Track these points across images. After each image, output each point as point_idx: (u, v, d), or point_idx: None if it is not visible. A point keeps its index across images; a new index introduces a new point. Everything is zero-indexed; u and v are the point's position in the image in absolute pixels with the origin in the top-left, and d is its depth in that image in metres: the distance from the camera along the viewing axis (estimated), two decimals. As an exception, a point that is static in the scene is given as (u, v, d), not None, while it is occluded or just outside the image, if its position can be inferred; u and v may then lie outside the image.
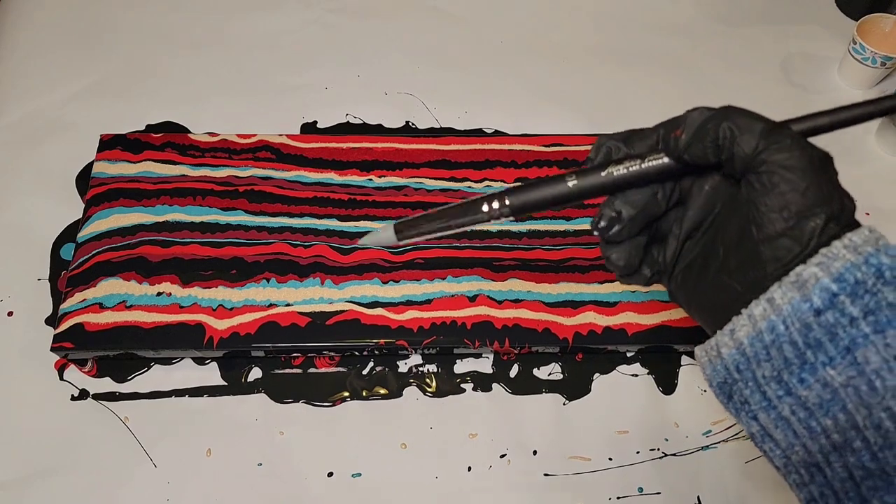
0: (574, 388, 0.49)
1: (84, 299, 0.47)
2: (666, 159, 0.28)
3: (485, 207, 0.29)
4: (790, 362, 0.24)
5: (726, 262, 0.27)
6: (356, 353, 0.48)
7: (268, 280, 0.49)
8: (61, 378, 0.48)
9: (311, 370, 0.48)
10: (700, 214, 0.29)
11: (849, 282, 0.23)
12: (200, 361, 0.48)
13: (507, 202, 0.29)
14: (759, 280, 0.25)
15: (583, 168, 0.29)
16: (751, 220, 0.25)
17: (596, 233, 0.29)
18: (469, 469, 0.46)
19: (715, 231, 0.28)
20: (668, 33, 0.67)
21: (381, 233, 0.31)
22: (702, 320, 0.29)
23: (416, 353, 0.49)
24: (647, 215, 0.29)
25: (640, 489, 0.45)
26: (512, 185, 0.30)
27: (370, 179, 0.54)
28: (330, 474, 0.45)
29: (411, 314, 0.48)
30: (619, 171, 0.28)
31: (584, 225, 0.52)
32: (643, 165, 0.28)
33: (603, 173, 0.28)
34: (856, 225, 0.24)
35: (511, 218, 0.30)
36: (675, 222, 0.30)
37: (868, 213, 0.56)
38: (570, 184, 0.29)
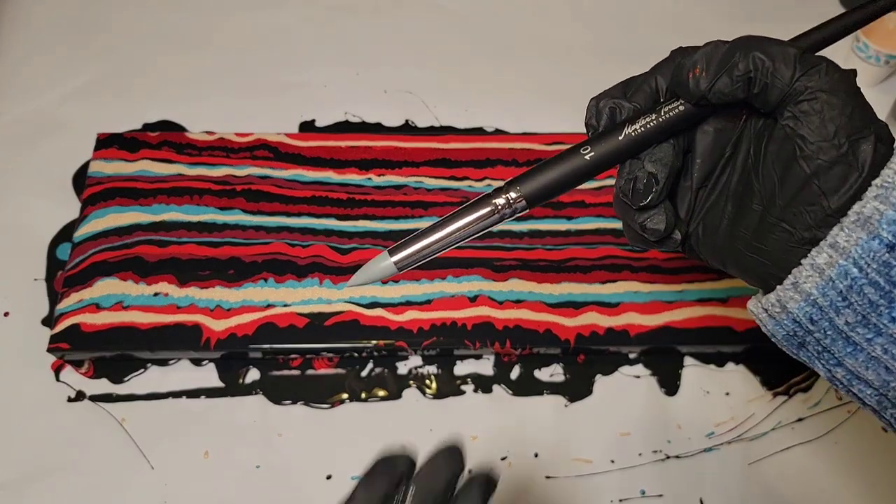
0: (576, 389, 0.48)
1: (80, 300, 0.47)
2: (682, 106, 0.26)
3: (492, 207, 0.26)
4: (876, 304, 0.23)
5: (770, 206, 0.25)
6: (355, 355, 0.48)
7: (266, 280, 0.48)
8: (58, 379, 0.47)
9: (310, 371, 0.48)
10: (710, 161, 0.27)
11: None
12: (197, 362, 0.48)
13: (520, 193, 0.26)
14: (820, 217, 0.24)
15: (594, 136, 0.27)
16: (794, 154, 0.24)
17: (644, 202, 0.26)
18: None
19: (743, 175, 0.27)
20: (671, 30, 0.67)
21: (374, 265, 0.26)
22: (742, 272, 0.27)
23: (415, 354, 0.48)
24: (674, 171, 0.27)
25: (643, 491, 0.45)
26: (519, 174, 0.27)
27: (369, 178, 0.53)
28: (329, 477, 0.45)
29: (411, 315, 0.47)
30: (635, 130, 0.26)
31: (585, 224, 0.52)
32: (661, 119, 0.26)
33: (620, 137, 0.26)
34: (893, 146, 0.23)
35: (527, 210, 0.27)
36: (683, 174, 0.28)
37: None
38: (588, 156, 0.26)
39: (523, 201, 0.26)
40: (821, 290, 0.23)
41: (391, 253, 0.26)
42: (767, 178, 0.25)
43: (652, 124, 0.26)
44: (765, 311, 0.26)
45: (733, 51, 0.24)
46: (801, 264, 0.24)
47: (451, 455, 0.28)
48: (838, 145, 0.23)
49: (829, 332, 0.24)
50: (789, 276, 0.24)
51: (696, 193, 0.28)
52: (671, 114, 0.26)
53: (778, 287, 0.25)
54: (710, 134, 0.27)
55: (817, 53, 0.25)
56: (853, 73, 0.24)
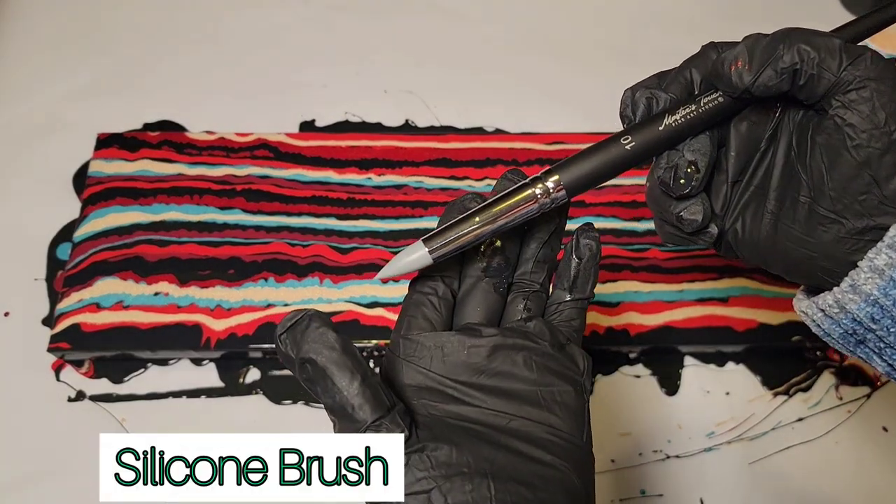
0: (576, 389, 0.48)
1: (81, 299, 0.47)
2: (721, 98, 0.26)
3: (532, 195, 0.25)
4: None
5: (819, 197, 0.25)
6: (355, 354, 0.48)
7: (266, 280, 0.48)
8: (58, 379, 0.47)
9: (310, 371, 0.48)
10: (745, 155, 0.27)
11: None
12: (198, 362, 0.48)
13: (560, 182, 0.26)
14: (873, 205, 0.24)
15: (632, 126, 0.26)
16: (844, 144, 0.24)
17: (685, 190, 0.26)
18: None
19: (786, 168, 0.26)
20: (671, 29, 0.67)
21: (407, 255, 0.26)
22: (787, 267, 0.27)
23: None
24: (712, 162, 0.27)
25: (643, 491, 0.45)
26: (555, 163, 0.26)
27: (369, 178, 0.53)
28: (329, 476, 0.45)
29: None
30: (675, 121, 0.26)
31: (585, 224, 0.52)
32: (700, 110, 0.26)
33: (660, 127, 0.26)
34: None
35: (566, 200, 0.26)
36: (716, 168, 0.28)
37: None
38: (629, 146, 0.26)
39: (563, 191, 0.26)
40: (882, 290, 0.24)
41: (425, 242, 0.26)
42: (815, 169, 0.25)
43: (692, 115, 0.26)
44: (821, 311, 0.26)
45: (776, 43, 0.24)
46: (857, 266, 0.24)
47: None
48: (889, 132, 0.23)
49: (892, 330, 0.24)
50: (846, 278, 0.25)
51: (731, 187, 0.28)
52: (710, 105, 0.26)
53: (835, 289, 0.25)
54: (744, 127, 0.27)
55: None
56: (894, 61, 0.24)
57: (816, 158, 0.25)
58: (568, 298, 0.29)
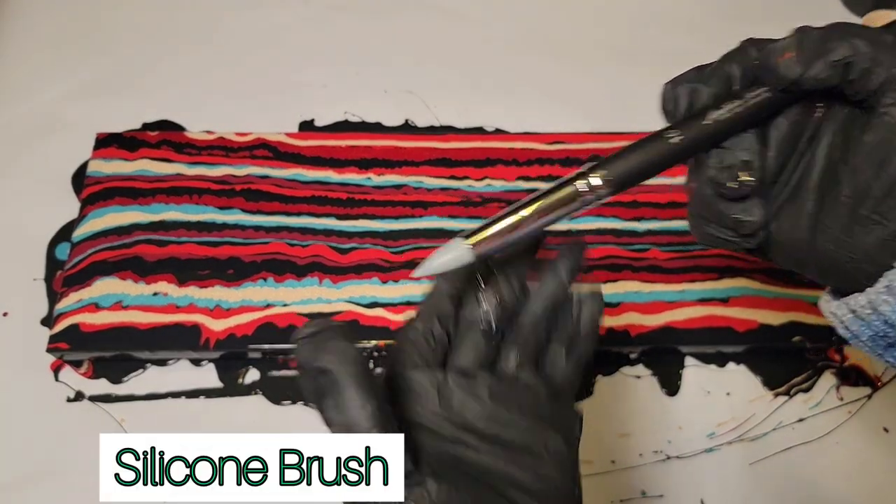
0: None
1: (80, 299, 0.47)
2: (767, 94, 0.25)
3: (579, 188, 0.25)
4: None
5: (863, 198, 0.24)
6: (355, 354, 0.48)
7: (265, 280, 0.48)
8: (57, 379, 0.47)
9: (310, 371, 0.48)
10: (784, 155, 0.26)
11: None
12: (197, 363, 0.48)
13: (608, 177, 0.25)
14: None
15: (677, 121, 0.26)
16: (892, 144, 0.23)
17: (740, 191, 0.25)
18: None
19: (828, 168, 0.26)
20: (672, 30, 0.67)
21: (447, 253, 0.25)
22: (824, 270, 0.26)
23: (415, 354, 0.48)
24: (764, 161, 0.26)
25: (643, 492, 0.45)
26: (598, 159, 0.26)
27: (369, 178, 0.53)
28: (328, 477, 0.45)
29: (411, 315, 0.47)
30: (721, 115, 0.25)
31: (586, 224, 0.52)
32: (748, 104, 0.25)
33: (705, 122, 0.25)
34: None
35: (609, 198, 0.26)
36: None
37: None
38: (673, 140, 0.25)
39: (607, 188, 0.25)
40: None
41: (466, 239, 0.25)
42: (860, 169, 0.24)
43: (738, 110, 0.25)
44: (852, 312, 0.25)
45: (828, 36, 0.24)
46: (893, 267, 0.24)
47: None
48: None
49: None
50: (881, 278, 0.24)
51: (769, 188, 0.27)
52: (756, 101, 0.25)
53: (868, 290, 0.24)
54: (784, 126, 0.26)
55: None
56: None
57: (862, 158, 0.24)
58: (565, 356, 0.29)
